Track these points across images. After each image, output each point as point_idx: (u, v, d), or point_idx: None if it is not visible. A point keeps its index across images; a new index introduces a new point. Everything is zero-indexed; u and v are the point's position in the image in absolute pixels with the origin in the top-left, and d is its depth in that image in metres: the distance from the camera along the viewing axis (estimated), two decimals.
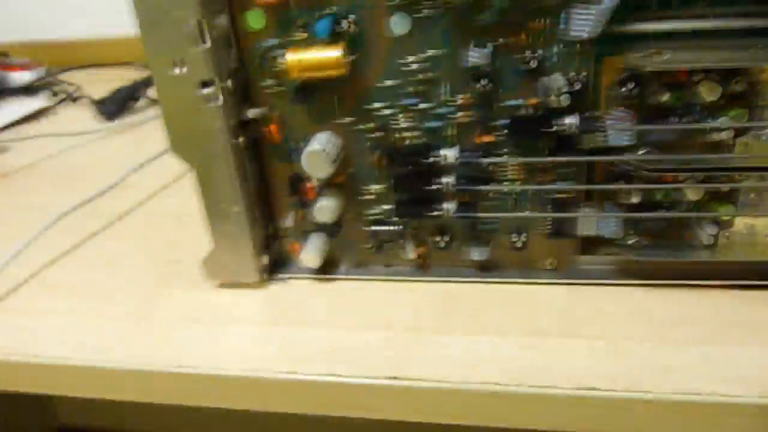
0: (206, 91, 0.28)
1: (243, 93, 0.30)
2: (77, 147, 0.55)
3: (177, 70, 0.28)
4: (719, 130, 0.27)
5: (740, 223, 0.29)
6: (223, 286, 0.33)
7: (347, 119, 0.30)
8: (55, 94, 0.66)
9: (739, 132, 0.28)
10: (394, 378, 0.27)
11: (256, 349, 0.29)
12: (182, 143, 0.30)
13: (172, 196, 0.44)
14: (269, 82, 0.29)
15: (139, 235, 0.40)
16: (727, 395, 0.25)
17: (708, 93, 0.27)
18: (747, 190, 0.29)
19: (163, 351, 0.30)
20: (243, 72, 0.29)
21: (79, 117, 0.62)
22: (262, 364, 0.28)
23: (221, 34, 0.28)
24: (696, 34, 0.27)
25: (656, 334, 0.28)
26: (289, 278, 0.34)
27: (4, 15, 0.80)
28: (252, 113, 0.30)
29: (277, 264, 0.34)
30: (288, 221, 0.33)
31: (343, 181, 0.31)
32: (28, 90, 0.66)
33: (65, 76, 0.71)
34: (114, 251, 0.38)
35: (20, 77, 0.67)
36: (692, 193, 0.29)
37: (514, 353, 0.28)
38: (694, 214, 0.29)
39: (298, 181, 0.31)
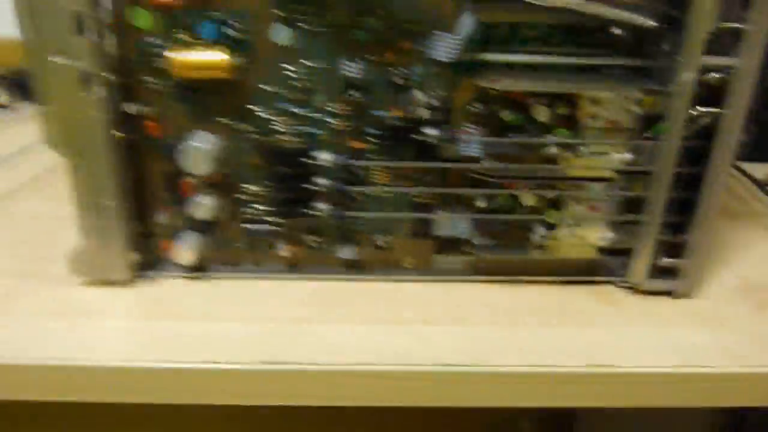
0: (87, 83, 0.28)
1: (125, 87, 0.30)
2: None
3: (58, 60, 0.28)
4: (546, 145, 0.33)
5: (565, 227, 0.35)
6: (92, 283, 0.33)
7: (228, 120, 0.31)
8: None
9: (565, 148, 0.33)
10: (269, 363, 0.29)
11: (126, 340, 0.29)
12: (59, 135, 0.29)
13: (42, 193, 0.42)
14: (153, 78, 0.30)
15: (3, 231, 0.38)
16: (560, 365, 0.29)
17: (540, 114, 0.32)
18: (570, 198, 0.34)
19: (20, 344, 0.29)
20: (126, 66, 0.30)
21: None
22: (132, 354, 0.29)
23: (106, 26, 0.29)
24: (533, 67, 0.32)
25: (499, 320, 0.32)
26: (162, 276, 0.34)
27: None
28: (132, 108, 0.30)
29: (150, 262, 0.34)
30: (163, 217, 0.33)
31: (221, 180, 0.33)
32: None
33: None
34: None
35: None
36: (526, 199, 0.34)
37: (382, 338, 0.30)
38: (525, 217, 0.34)
39: (176, 177, 0.32)
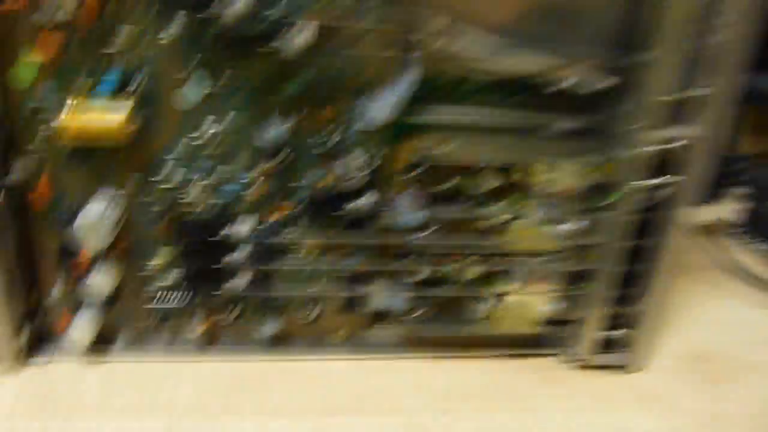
0: None
1: (4, 150, 0.26)
2: None
3: None
4: (492, 216, 0.30)
5: (513, 298, 0.32)
6: None
7: (128, 188, 0.27)
8: None
9: (515, 217, 0.30)
10: None
11: None
12: None
13: None
14: (38, 143, 0.26)
15: None
16: None
17: (488, 181, 0.29)
18: (518, 269, 0.32)
19: None
20: (4, 128, 0.25)
21: None
22: None
23: None
24: (481, 127, 0.29)
25: (436, 406, 0.29)
26: (52, 360, 0.29)
27: None
28: (11, 179, 0.26)
29: (38, 342, 0.30)
30: (54, 295, 0.29)
31: (122, 251, 0.28)
32: None
33: None
34: None
35: None
36: (470, 273, 0.31)
37: None
38: (466, 294, 0.32)
39: (68, 252, 0.28)
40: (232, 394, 0.29)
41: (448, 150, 0.28)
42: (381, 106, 0.27)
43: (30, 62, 0.24)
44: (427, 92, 0.27)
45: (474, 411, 0.29)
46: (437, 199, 0.30)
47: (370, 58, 0.26)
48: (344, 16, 0.25)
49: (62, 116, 0.24)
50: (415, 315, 0.32)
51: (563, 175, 0.30)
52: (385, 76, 0.27)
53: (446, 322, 0.32)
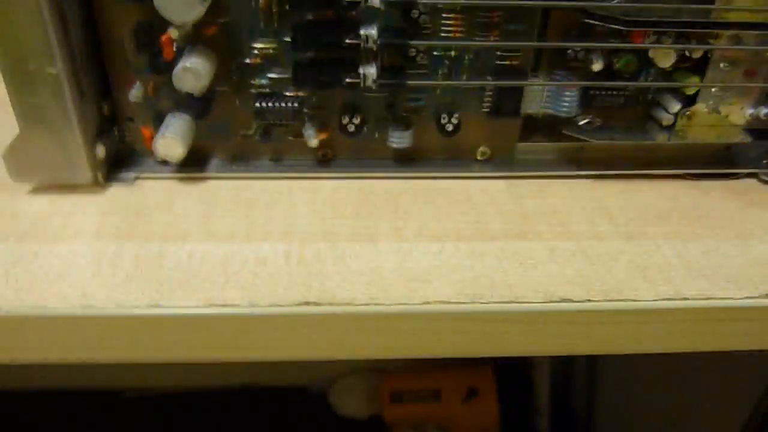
0: None
1: None
2: None
3: None
4: None
5: (702, 104, 0.25)
6: (40, 190, 0.23)
7: None
8: None
9: None
10: (308, 304, 0.19)
11: (95, 274, 0.20)
12: None
13: None
14: None
15: None
16: (722, 297, 0.20)
17: None
18: (719, 59, 0.24)
19: None
20: None
21: None
22: (107, 296, 0.19)
23: None
24: None
25: (620, 232, 0.23)
26: (140, 177, 0.24)
27: None
28: None
29: (120, 158, 0.24)
30: (135, 93, 0.23)
31: (216, 34, 0.22)
32: None
33: None
34: None
35: None
36: (662, 58, 0.24)
37: (460, 263, 0.21)
38: (667, 84, 0.24)
39: (148, 30, 0.21)
40: (357, 216, 0.23)
41: None
42: None
43: None
44: None
45: (664, 237, 0.23)
46: None
47: None
48: None
49: None
50: (580, 122, 0.25)
51: None
52: None
53: (621, 132, 0.25)
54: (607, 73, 0.24)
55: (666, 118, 0.25)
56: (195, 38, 0.22)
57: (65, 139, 0.22)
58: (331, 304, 0.19)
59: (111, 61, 0.22)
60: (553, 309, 0.20)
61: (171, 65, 0.22)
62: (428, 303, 0.19)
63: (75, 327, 0.19)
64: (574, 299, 0.20)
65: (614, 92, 0.24)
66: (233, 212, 0.23)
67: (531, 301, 0.20)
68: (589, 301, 0.20)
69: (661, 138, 0.25)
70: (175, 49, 0.22)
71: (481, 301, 0.20)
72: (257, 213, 0.23)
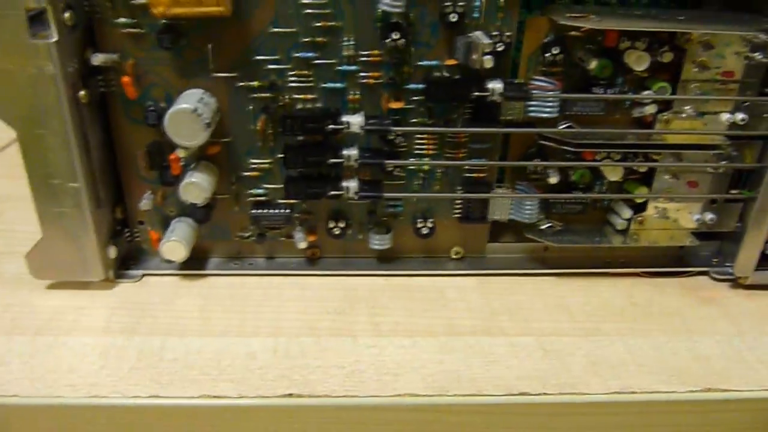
0: (35, 24, 0.21)
1: (88, 31, 0.23)
2: None
3: None
4: (645, 103, 0.25)
5: (652, 208, 0.28)
6: (57, 286, 0.26)
7: (226, 73, 0.24)
8: None
9: (662, 107, 0.26)
10: (291, 396, 0.22)
11: (104, 366, 0.22)
12: (1, 95, 0.22)
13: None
14: (124, 19, 0.23)
15: None
16: (665, 391, 0.23)
17: (636, 62, 0.24)
18: (663, 172, 0.27)
19: None
20: (89, 3, 0.22)
21: None
22: (113, 387, 0.22)
23: None
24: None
25: (577, 328, 0.25)
26: (146, 275, 0.27)
27: None
28: (98, 59, 0.23)
29: (129, 257, 0.27)
30: (145, 203, 0.26)
31: (218, 153, 0.25)
32: None
33: None
34: None
35: None
36: (611, 173, 0.27)
37: (430, 357, 0.23)
38: (616, 196, 0.27)
39: (159, 150, 0.25)
40: (340, 312, 0.25)
41: (590, 23, 0.23)
42: None
43: None
44: None
45: (618, 333, 0.25)
46: (574, 85, 0.25)
47: None
48: None
49: None
50: (542, 227, 0.28)
51: (728, 53, 0.25)
52: None
53: (578, 235, 0.28)
54: (564, 184, 0.27)
55: (620, 223, 0.28)
56: (200, 155, 0.25)
57: (82, 243, 0.25)
58: (311, 396, 0.22)
59: (126, 175, 0.26)
60: (512, 402, 0.22)
61: (178, 178, 0.25)
62: (399, 395, 0.22)
63: (83, 415, 0.21)
64: (531, 392, 0.22)
65: (572, 201, 0.27)
66: (229, 308, 0.25)
67: (492, 394, 0.22)
68: (544, 394, 0.22)
69: (617, 240, 0.28)
70: (182, 164, 0.25)
71: (448, 394, 0.22)
72: (250, 308, 0.25)
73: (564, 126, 0.26)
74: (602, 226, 0.29)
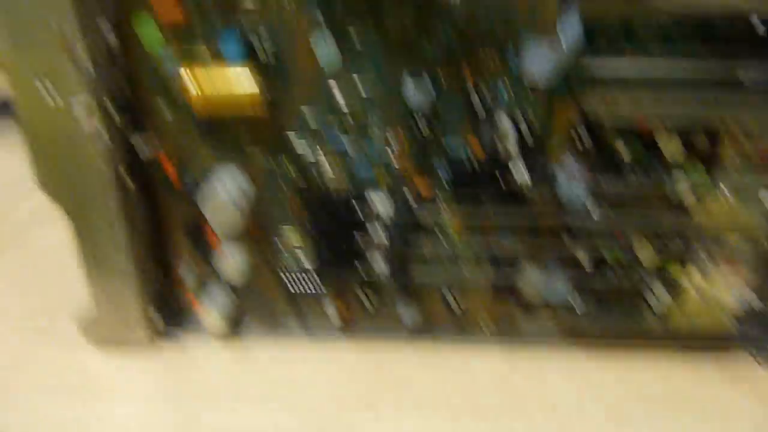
0: (84, 118, 0.23)
1: (133, 122, 0.25)
2: None
3: (46, 91, 0.22)
4: (674, 188, 0.25)
5: (696, 287, 0.27)
6: (100, 345, 0.28)
7: (261, 158, 0.25)
8: None
9: (700, 191, 0.25)
10: None
11: None
12: (52, 179, 0.24)
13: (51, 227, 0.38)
14: (167, 112, 0.24)
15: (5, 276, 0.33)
16: None
17: (669, 148, 0.24)
18: (704, 252, 0.26)
19: None
20: (134, 97, 0.24)
21: None
22: None
23: (106, 50, 0.23)
24: (649, 82, 0.24)
25: (604, 410, 0.25)
26: (190, 335, 0.28)
27: None
28: (144, 149, 0.25)
29: (172, 316, 0.29)
30: (187, 274, 0.27)
31: (254, 230, 0.26)
32: None
33: None
34: None
35: None
36: (643, 257, 0.26)
37: None
38: (639, 283, 0.27)
39: (199, 227, 0.26)
40: (370, 387, 0.26)
41: (620, 110, 0.23)
42: (543, 57, 0.23)
43: (151, 24, 0.23)
44: (592, 37, 0.23)
45: (650, 417, 0.25)
46: (604, 171, 0.25)
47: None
48: None
49: (191, 85, 0.23)
50: (578, 306, 0.28)
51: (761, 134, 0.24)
52: (547, 20, 0.22)
53: (614, 315, 0.28)
54: (596, 261, 0.27)
55: (657, 305, 0.27)
56: (235, 235, 0.26)
57: (128, 313, 0.26)
58: None
59: (168, 249, 0.27)
60: None
61: (216, 251, 0.26)
62: None
63: None
64: None
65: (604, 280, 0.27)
66: (261, 377, 0.27)
67: None
68: None
69: (654, 323, 0.27)
70: (219, 240, 0.26)
71: None
72: (282, 380, 0.26)
73: (595, 209, 0.25)
74: (638, 307, 0.28)
